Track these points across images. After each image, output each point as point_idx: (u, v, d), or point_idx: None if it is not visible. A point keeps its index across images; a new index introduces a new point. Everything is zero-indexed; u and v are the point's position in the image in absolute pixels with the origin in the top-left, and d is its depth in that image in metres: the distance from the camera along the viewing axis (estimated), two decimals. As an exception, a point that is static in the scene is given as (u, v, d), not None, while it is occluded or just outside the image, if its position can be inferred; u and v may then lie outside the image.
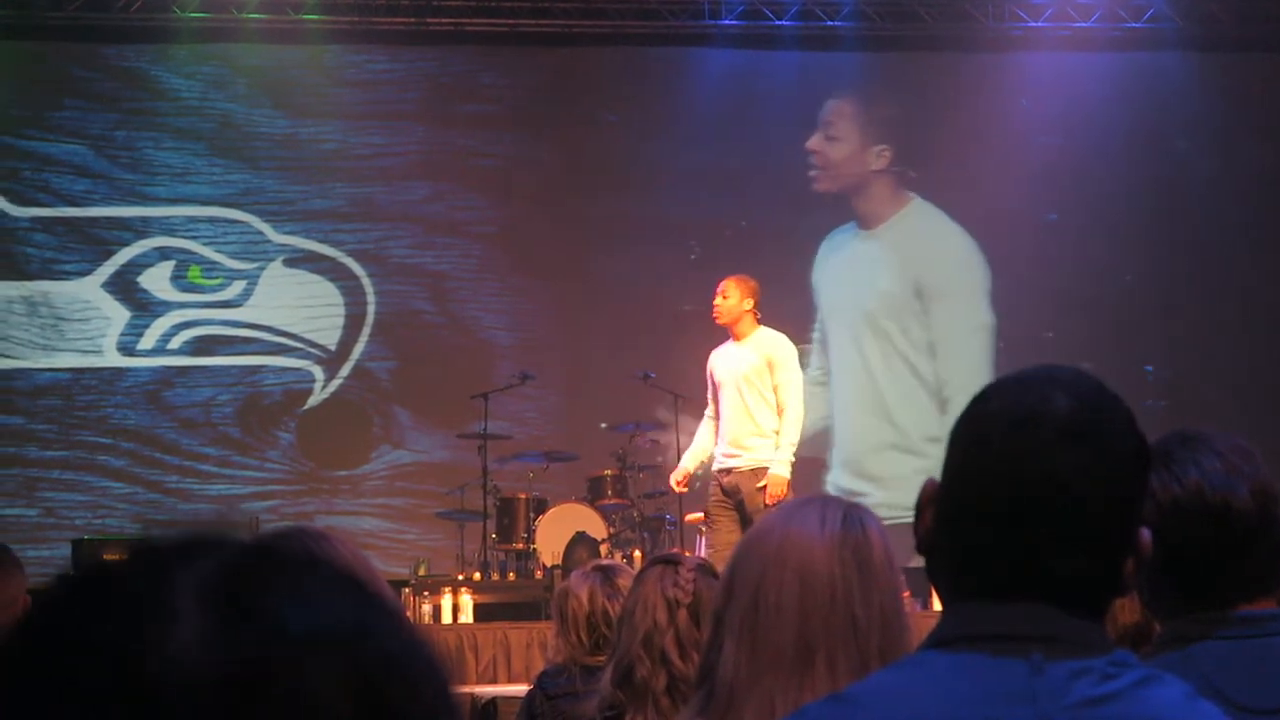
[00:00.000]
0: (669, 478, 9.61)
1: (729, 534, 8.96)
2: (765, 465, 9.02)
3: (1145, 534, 1.64)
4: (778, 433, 9.07)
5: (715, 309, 9.17)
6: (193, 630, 0.80)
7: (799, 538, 2.20)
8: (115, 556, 0.88)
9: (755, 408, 9.06)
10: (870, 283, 13.55)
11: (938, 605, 6.61)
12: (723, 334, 9.31)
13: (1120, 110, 13.72)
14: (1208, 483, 2.26)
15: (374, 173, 13.46)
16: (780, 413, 9.08)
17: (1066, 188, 13.65)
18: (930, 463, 12.98)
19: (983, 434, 1.64)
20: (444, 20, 13.48)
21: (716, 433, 9.22)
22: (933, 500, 1.69)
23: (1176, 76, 13.85)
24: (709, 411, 9.34)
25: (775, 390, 9.07)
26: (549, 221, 13.48)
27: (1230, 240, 13.84)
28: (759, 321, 9.19)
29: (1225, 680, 2.15)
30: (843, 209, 13.71)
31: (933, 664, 1.61)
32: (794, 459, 9.11)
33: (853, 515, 2.24)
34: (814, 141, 13.67)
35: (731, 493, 9.06)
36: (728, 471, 9.09)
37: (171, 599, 0.81)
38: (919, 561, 1.73)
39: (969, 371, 13.07)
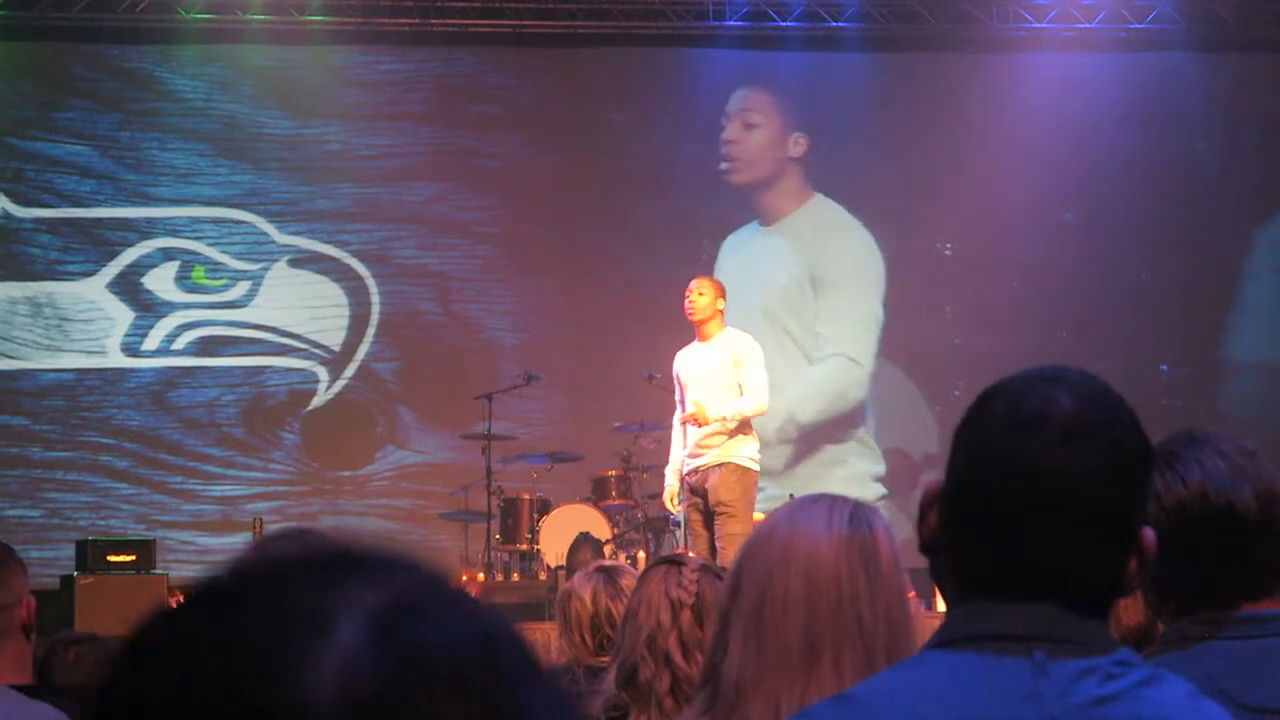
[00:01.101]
0: (664, 497, 9.51)
1: (704, 540, 8.98)
2: (728, 460, 8.98)
3: (1149, 534, 1.64)
4: (744, 430, 9.06)
5: (690, 306, 9.12)
6: (346, 649, 0.78)
7: (805, 537, 2.20)
8: (267, 562, 0.85)
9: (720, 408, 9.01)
10: (769, 277, 13.47)
11: (942, 606, 6.60)
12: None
13: (1124, 110, 13.71)
14: (1211, 483, 2.26)
15: (378, 173, 13.46)
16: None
17: (1070, 188, 13.63)
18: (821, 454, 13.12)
19: (986, 434, 1.64)
20: (449, 21, 13.48)
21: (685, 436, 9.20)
22: (936, 501, 1.69)
23: (1180, 77, 13.84)
24: (679, 415, 9.27)
25: (740, 389, 9.03)
26: (553, 222, 13.49)
27: (1234, 240, 13.84)
28: (724, 323, 9.20)
29: (1229, 680, 2.15)
30: (850, 203, 13.69)
31: (937, 664, 1.61)
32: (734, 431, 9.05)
33: (860, 515, 2.23)
34: (731, 132, 13.59)
35: (699, 491, 9.02)
36: (695, 471, 9.05)
37: (328, 614, 0.79)
38: (923, 562, 1.73)
39: (839, 359, 13.08)
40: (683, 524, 9.36)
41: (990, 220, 13.61)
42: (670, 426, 9.52)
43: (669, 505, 9.47)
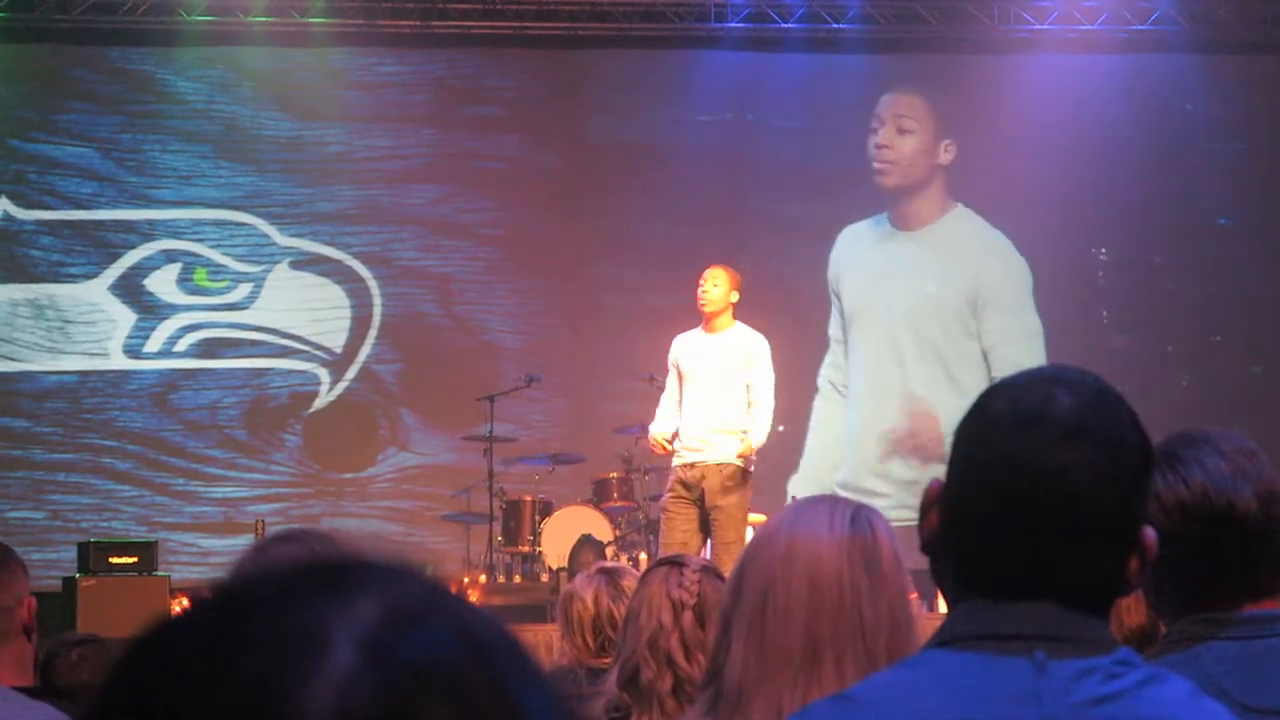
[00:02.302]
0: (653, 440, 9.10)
1: (684, 532, 8.76)
2: (730, 462, 8.80)
3: (1150, 533, 1.64)
4: (746, 431, 8.83)
5: (703, 295, 8.90)
6: (344, 666, 0.77)
7: (807, 538, 2.20)
8: (262, 576, 0.84)
9: (725, 404, 8.83)
10: (915, 285, 13.41)
11: (943, 607, 6.60)
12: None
13: (1126, 112, 13.70)
14: (1212, 483, 2.26)
15: (380, 175, 13.47)
16: (750, 408, 8.87)
17: (1072, 188, 13.63)
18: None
19: (987, 434, 1.64)
20: (450, 23, 13.48)
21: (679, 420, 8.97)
22: (937, 500, 1.69)
23: (1182, 79, 13.84)
24: (670, 395, 9.04)
25: (749, 387, 8.85)
26: (554, 224, 13.49)
27: (1237, 241, 13.84)
28: (735, 316, 8.99)
29: (1230, 680, 2.15)
30: (849, 203, 13.66)
31: (937, 663, 1.61)
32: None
33: (861, 516, 2.24)
34: (885, 136, 13.56)
35: (693, 486, 8.79)
36: (691, 465, 8.82)
37: (323, 631, 0.78)
38: (924, 563, 1.73)
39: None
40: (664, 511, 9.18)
41: (995, 221, 13.62)
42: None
43: (663, 444, 8.96)
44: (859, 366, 13.42)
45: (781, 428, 10.40)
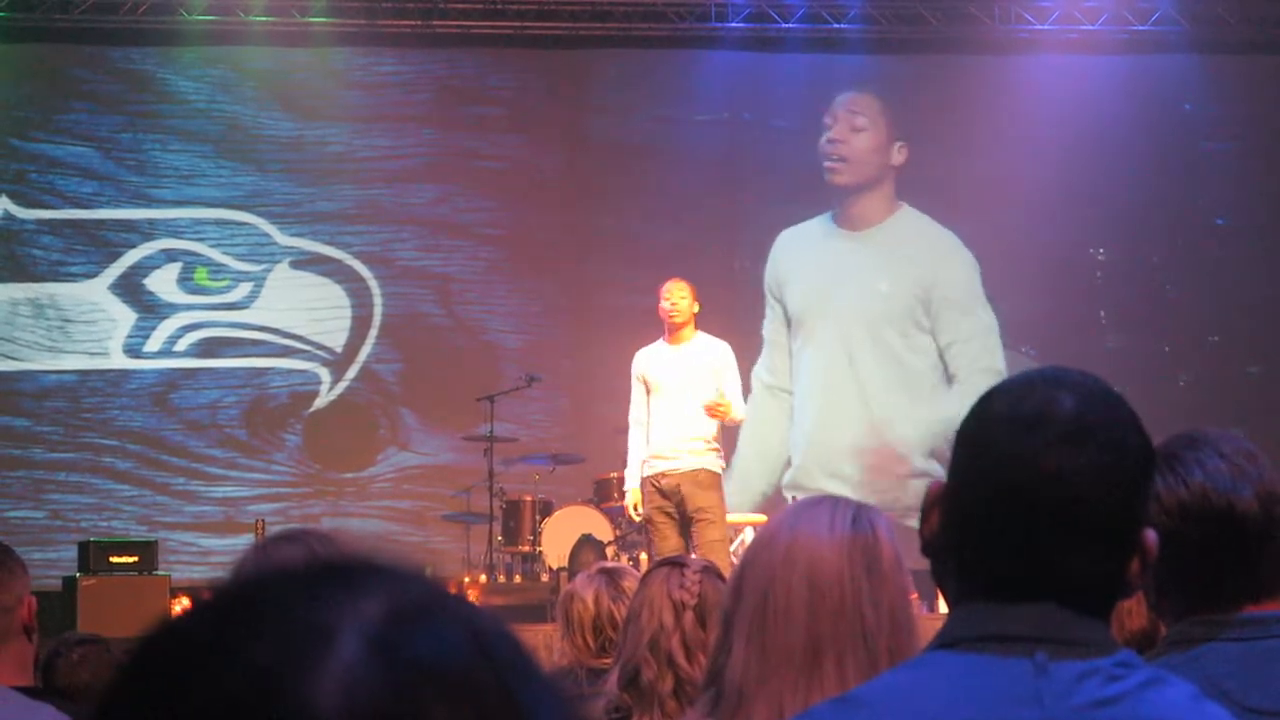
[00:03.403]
0: (627, 504, 9.36)
1: (674, 539, 8.90)
2: (704, 467, 8.96)
3: (1151, 535, 1.64)
4: (716, 439, 9.02)
5: (672, 308, 9.01)
6: (349, 662, 0.77)
7: (808, 539, 2.20)
8: (267, 574, 0.85)
9: (695, 414, 8.92)
10: (868, 285, 13.40)
11: (944, 608, 6.60)
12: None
13: (1126, 112, 13.70)
14: (1212, 485, 2.26)
15: (381, 175, 13.47)
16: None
17: (1071, 188, 13.63)
18: (882, 462, 13.08)
19: (988, 435, 1.64)
20: (451, 23, 13.48)
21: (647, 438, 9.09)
22: (938, 502, 1.69)
23: (1182, 79, 13.84)
24: (637, 416, 9.15)
25: (720, 395, 8.92)
26: (555, 224, 13.49)
27: (1236, 241, 13.85)
28: (697, 326, 9.15)
29: (1232, 682, 2.15)
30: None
31: (939, 665, 1.62)
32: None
33: (862, 516, 2.24)
34: (837, 131, 13.57)
35: (670, 494, 8.91)
36: (664, 475, 8.94)
37: (330, 626, 0.79)
38: (925, 563, 1.73)
39: (986, 372, 12.96)
40: (646, 528, 9.28)
41: (989, 221, 13.62)
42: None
43: (632, 513, 9.29)
44: (809, 368, 13.35)
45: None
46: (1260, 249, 13.76)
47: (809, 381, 13.34)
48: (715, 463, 9.06)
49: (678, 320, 9.03)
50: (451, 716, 0.78)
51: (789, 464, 13.34)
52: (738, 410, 9.06)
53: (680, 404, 8.94)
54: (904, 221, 13.58)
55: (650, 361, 9.11)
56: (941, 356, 13.36)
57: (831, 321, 13.38)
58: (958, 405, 13.00)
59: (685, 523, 8.93)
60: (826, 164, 13.53)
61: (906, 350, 13.38)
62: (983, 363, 13.27)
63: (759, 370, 13.22)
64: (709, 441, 9.00)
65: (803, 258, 13.49)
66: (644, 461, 9.09)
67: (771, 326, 13.41)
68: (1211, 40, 13.79)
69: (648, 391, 9.10)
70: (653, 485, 8.99)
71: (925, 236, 13.54)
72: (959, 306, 13.49)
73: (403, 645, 0.79)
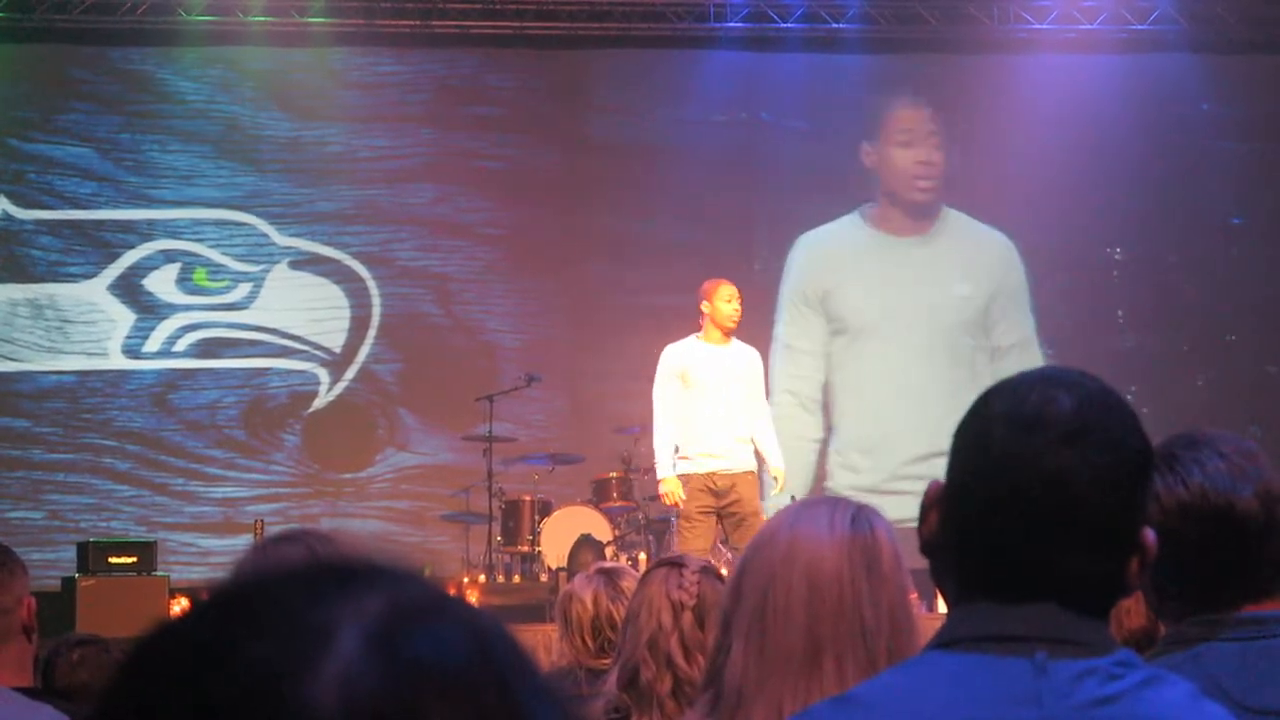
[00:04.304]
0: (666, 490, 9.25)
1: (703, 541, 8.94)
2: (753, 470, 9.07)
3: (1150, 534, 1.64)
4: (753, 439, 9.11)
5: (736, 313, 9.11)
6: (348, 660, 0.78)
7: (808, 539, 2.20)
8: (267, 573, 0.85)
9: (741, 413, 9.07)
10: (944, 290, 13.37)
11: (943, 607, 6.60)
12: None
13: (1125, 112, 13.70)
14: (1212, 484, 2.26)
15: (379, 175, 13.47)
16: (757, 419, 9.18)
17: (1082, 188, 13.63)
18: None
19: (987, 435, 1.64)
20: (449, 23, 13.48)
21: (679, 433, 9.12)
22: (937, 502, 1.69)
23: (1182, 78, 13.84)
24: (669, 409, 9.13)
25: (753, 399, 9.13)
26: (553, 223, 13.49)
27: (1251, 240, 13.85)
28: None
29: (1231, 681, 2.15)
30: (850, 202, 13.65)
31: (938, 665, 1.62)
32: None
33: (861, 517, 2.23)
34: (927, 153, 13.55)
35: (723, 494, 8.94)
36: (718, 474, 8.99)
37: (330, 625, 0.79)
38: (924, 563, 1.73)
39: None
40: (676, 520, 9.31)
41: (999, 219, 13.63)
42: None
43: (673, 499, 9.11)
44: (870, 375, 13.22)
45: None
46: (1277, 248, 13.75)
47: (872, 389, 13.24)
48: (755, 464, 9.20)
49: (736, 324, 9.14)
50: (451, 716, 0.78)
51: (820, 477, 13.25)
52: (775, 441, 9.24)
53: (727, 402, 9.04)
54: (954, 223, 13.60)
55: (690, 357, 9.15)
56: (991, 357, 13.32)
57: (897, 328, 13.32)
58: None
59: (733, 523, 8.96)
60: (923, 184, 13.55)
61: (976, 352, 13.35)
62: (1036, 364, 13.25)
63: (786, 379, 13.13)
64: (747, 442, 9.12)
65: (852, 264, 13.46)
66: (684, 457, 9.09)
67: (804, 334, 13.37)
68: (1210, 39, 13.79)
69: (688, 388, 9.12)
70: (705, 485, 9.00)
71: (980, 237, 13.56)
72: (1019, 308, 13.50)
73: (402, 644, 0.79)
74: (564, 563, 10.78)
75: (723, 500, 8.98)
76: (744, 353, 9.19)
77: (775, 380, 12.52)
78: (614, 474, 11.59)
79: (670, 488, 9.08)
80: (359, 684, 0.77)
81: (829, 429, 13.40)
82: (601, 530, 11.13)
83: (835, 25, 13.65)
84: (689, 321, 9.29)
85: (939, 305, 13.37)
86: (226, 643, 0.79)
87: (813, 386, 13.31)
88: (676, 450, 9.12)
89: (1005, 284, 13.50)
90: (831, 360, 13.37)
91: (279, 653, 0.78)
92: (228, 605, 0.82)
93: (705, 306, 9.14)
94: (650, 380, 10.99)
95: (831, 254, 13.52)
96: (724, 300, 9.10)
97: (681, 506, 9.10)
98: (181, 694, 0.78)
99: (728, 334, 9.14)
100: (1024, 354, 13.23)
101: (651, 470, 11.56)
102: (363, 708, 0.77)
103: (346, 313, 13.34)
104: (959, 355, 13.31)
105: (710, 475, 9.02)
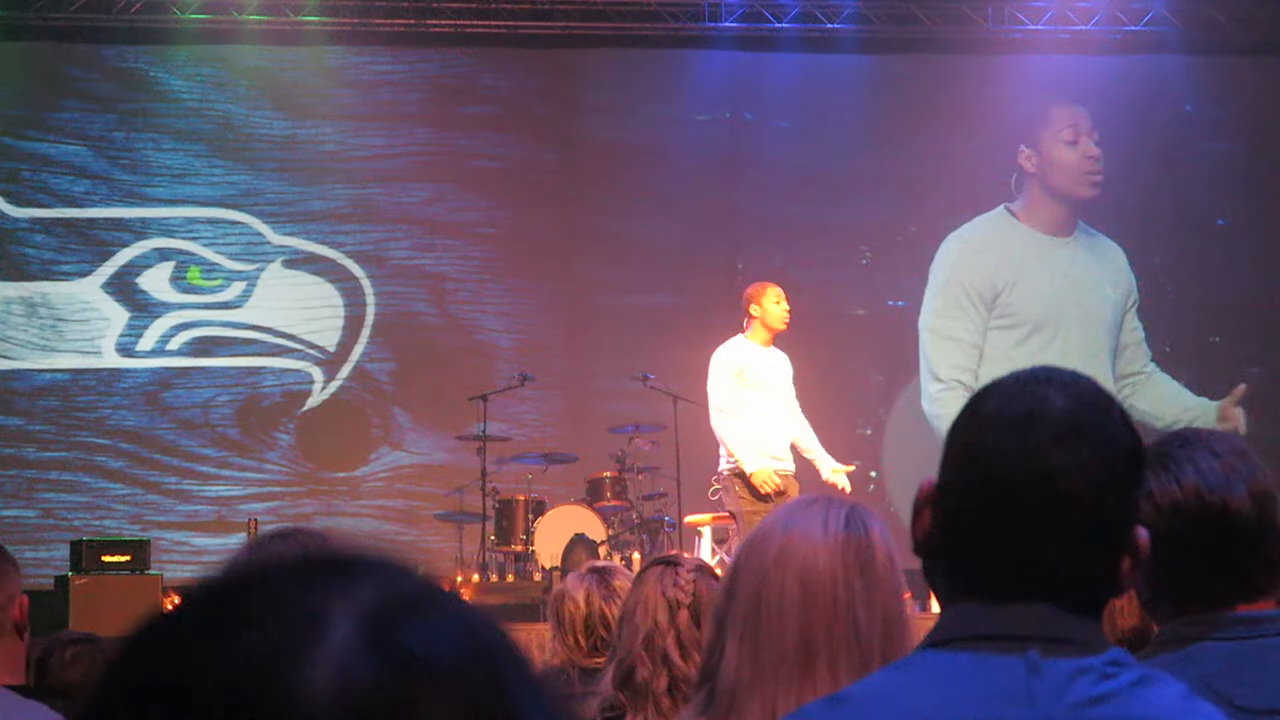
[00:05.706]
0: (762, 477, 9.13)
1: None
2: (793, 471, 9.21)
3: (1143, 534, 1.65)
4: (796, 442, 9.27)
5: (787, 314, 9.20)
6: (342, 650, 0.78)
7: (801, 539, 2.20)
8: (262, 564, 0.85)
9: (790, 415, 9.28)
10: (1099, 291, 13.53)
11: (936, 607, 6.60)
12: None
13: (1120, 113, 13.71)
14: (1205, 484, 2.26)
15: (374, 174, 13.46)
16: (802, 421, 9.35)
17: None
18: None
19: (980, 435, 1.64)
20: (444, 22, 13.48)
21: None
22: (930, 501, 1.69)
23: (1175, 79, 13.85)
24: (731, 406, 9.11)
25: (793, 401, 9.32)
26: (548, 223, 13.49)
27: (1236, 241, 13.86)
28: None
29: (1224, 681, 2.15)
30: (850, 202, 13.65)
31: (930, 664, 1.62)
32: None
33: (855, 517, 2.23)
34: (1089, 147, 13.59)
35: (777, 495, 8.93)
36: (777, 474, 9.05)
37: (323, 615, 0.79)
38: (918, 563, 1.73)
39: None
40: (732, 517, 9.36)
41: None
42: (667, 428, 9.39)
43: (775, 482, 9.00)
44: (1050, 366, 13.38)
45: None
46: (1261, 249, 13.77)
47: None
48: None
49: (787, 325, 9.22)
50: (443, 706, 0.78)
51: None
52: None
53: (783, 405, 9.21)
54: (1081, 227, 13.68)
55: (750, 357, 9.20)
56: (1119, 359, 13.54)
57: (1072, 325, 13.45)
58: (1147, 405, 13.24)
59: None
60: (1095, 178, 13.59)
61: (1114, 352, 13.50)
62: (1141, 365, 13.51)
63: (952, 369, 13.26)
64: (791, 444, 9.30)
65: (1028, 261, 13.54)
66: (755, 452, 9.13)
67: (969, 328, 13.45)
68: (1203, 41, 13.80)
69: (749, 388, 9.16)
70: (776, 485, 9.01)
71: (1103, 242, 13.71)
72: (1137, 309, 13.59)
73: (396, 635, 0.79)
74: (558, 562, 10.78)
75: (773, 501, 8.97)
76: (783, 356, 9.31)
77: (936, 369, 13.23)
78: (608, 473, 11.59)
79: (766, 476, 9.02)
80: (352, 673, 0.77)
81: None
82: (595, 530, 11.13)
83: (830, 25, 13.66)
84: (689, 321, 9.32)
85: (1095, 305, 13.54)
86: (220, 632, 0.79)
87: (972, 377, 13.42)
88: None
89: (1131, 289, 13.65)
90: (985, 354, 13.45)
91: (272, 641, 0.78)
92: (220, 596, 0.82)
93: (755, 309, 9.21)
94: (648, 380, 10.98)
95: (997, 250, 13.56)
96: (773, 302, 9.18)
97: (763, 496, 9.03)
98: (175, 684, 0.78)
99: (775, 336, 9.22)
100: (1135, 356, 13.55)
101: (646, 470, 11.61)
102: (355, 697, 0.77)
103: (341, 312, 13.33)
104: (1111, 355, 13.48)
105: (779, 475, 9.12)
